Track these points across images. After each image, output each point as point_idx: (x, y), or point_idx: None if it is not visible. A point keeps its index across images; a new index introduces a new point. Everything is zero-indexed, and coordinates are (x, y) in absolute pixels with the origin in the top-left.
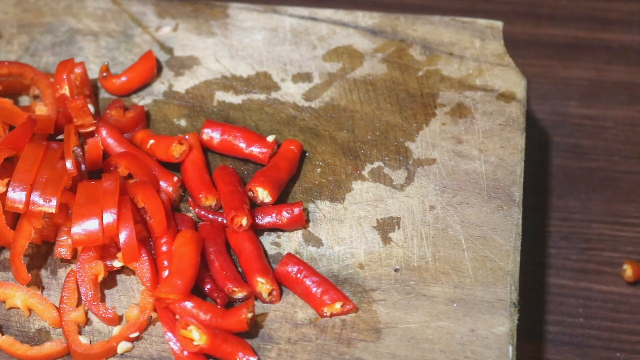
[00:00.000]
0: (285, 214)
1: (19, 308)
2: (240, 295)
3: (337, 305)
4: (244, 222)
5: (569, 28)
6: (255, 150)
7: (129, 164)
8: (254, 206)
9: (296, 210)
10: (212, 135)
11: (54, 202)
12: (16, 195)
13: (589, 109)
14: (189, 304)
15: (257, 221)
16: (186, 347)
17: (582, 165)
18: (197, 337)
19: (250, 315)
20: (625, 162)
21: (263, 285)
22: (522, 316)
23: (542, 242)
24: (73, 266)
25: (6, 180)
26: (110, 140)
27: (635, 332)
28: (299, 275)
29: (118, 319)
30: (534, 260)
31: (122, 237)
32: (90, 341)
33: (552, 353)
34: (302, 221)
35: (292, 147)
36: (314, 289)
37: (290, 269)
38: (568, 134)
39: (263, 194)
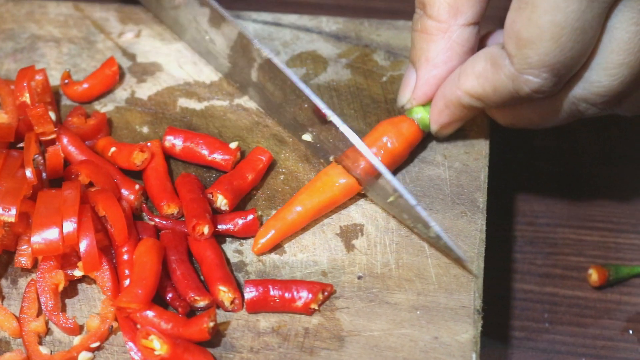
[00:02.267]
0: (239, 220)
1: None
2: (202, 304)
3: (320, 295)
4: (206, 230)
5: None
6: (218, 157)
7: (90, 172)
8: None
9: (249, 218)
10: (175, 142)
11: (13, 211)
12: None
13: None
14: (150, 313)
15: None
16: (147, 357)
17: (548, 169)
18: (158, 346)
19: (212, 324)
20: (591, 165)
21: (225, 293)
22: (487, 322)
23: (507, 247)
24: (34, 275)
25: None
26: (71, 148)
27: (601, 337)
28: (267, 290)
29: (79, 329)
30: (499, 265)
31: (83, 246)
32: (51, 351)
33: (518, 358)
34: (255, 228)
35: (262, 158)
36: (287, 294)
37: (256, 293)
38: (533, 137)
39: (222, 202)
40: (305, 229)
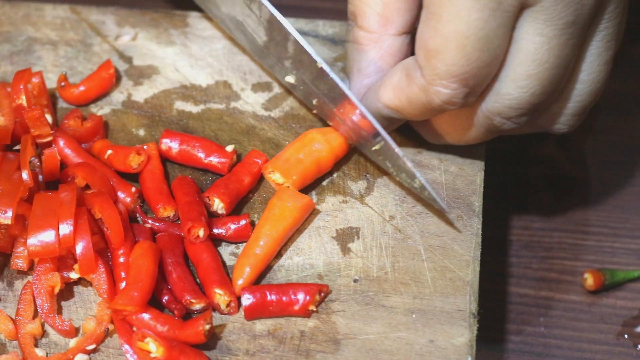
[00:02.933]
0: (231, 225)
1: None
2: (198, 306)
3: (317, 297)
4: (201, 233)
5: None
6: (215, 160)
7: (87, 175)
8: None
9: (242, 223)
10: (171, 145)
11: (9, 214)
12: None
13: None
14: (146, 316)
15: None
16: (143, 359)
17: (543, 174)
18: (154, 349)
19: (207, 326)
20: (586, 170)
21: (221, 296)
22: (483, 326)
23: (502, 251)
24: (30, 278)
25: None
26: (67, 151)
27: (596, 341)
28: (264, 296)
29: (75, 331)
30: (495, 269)
31: (79, 248)
32: (47, 353)
33: None
34: (247, 234)
35: (258, 161)
36: (284, 298)
37: (253, 300)
38: (529, 142)
39: (218, 206)
40: (300, 232)
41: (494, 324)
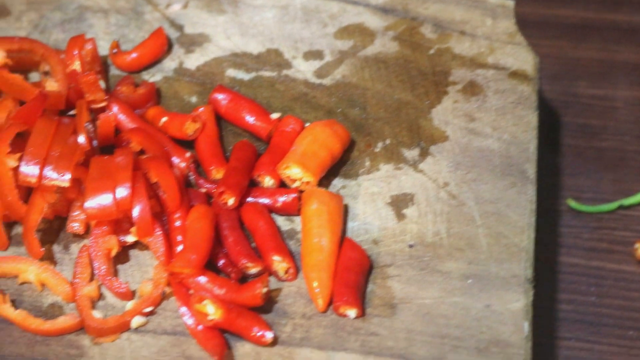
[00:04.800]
0: (279, 198)
1: (31, 283)
2: (254, 270)
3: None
4: (231, 201)
5: (578, 9)
6: (257, 123)
7: (142, 140)
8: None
9: (291, 197)
10: (221, 100)
11: (67, 176)
12: (29, 170)
13: (598, 89)
14: (203, 279)
15: (250, 200)
16: (201, 322)
17: (592, 145)
18: (212, 311)
19: (265, 290)
20: (635, 141)
21: (279, 263)
22: (534, 295)
23: (553, 221)
24: (85, 241)
25: (18, 154)
26: (121, 116)
27: None
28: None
29: (131, 294)
30: (546, 239)
31: (136, 211)
32: (104, 316)
33: (565, 331)
34: (294, 208)
35: (294, 127)
36: None
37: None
38: (578, 114)
39: (269, 182)
40: (355, 198)
41: (545, 293)
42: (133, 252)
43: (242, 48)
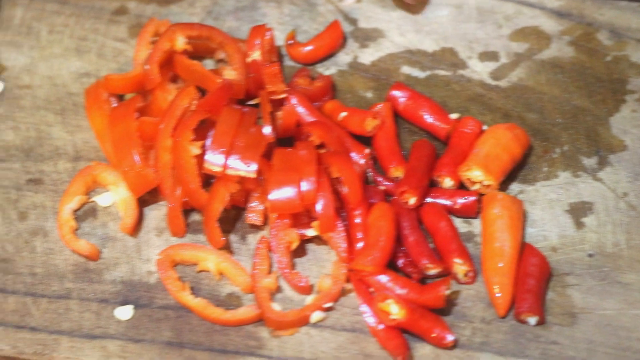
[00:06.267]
0: (458, 200)
1: (209, 271)
2: (433, 271)
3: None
4: (412, 200)
5: None
6: (436, 123)
7: (323, 134)
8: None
9: (471, 199)
10: (399, 98)
11: (253, 167)
12: (215, 158)
13: None
14: (384, 278)
15: (428, 200)
16: (383, 321)
17: None
18: (396, 311)
19: (448, 291)
20: None
21: (460, 266)
22: None
23: None
24: (262, 233)
25: (200, 142)
26: (300, 109)
27: None
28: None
29: (310, 288)
30: None
31: (320, 206)
32: (283, 309)
33: None
34: (473, 211)
35: (474, 128)
36: None
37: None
38: None
39: (449, 184)
40: (533, 203)
41: None
42: (310, 247)
43: (416, 45)
